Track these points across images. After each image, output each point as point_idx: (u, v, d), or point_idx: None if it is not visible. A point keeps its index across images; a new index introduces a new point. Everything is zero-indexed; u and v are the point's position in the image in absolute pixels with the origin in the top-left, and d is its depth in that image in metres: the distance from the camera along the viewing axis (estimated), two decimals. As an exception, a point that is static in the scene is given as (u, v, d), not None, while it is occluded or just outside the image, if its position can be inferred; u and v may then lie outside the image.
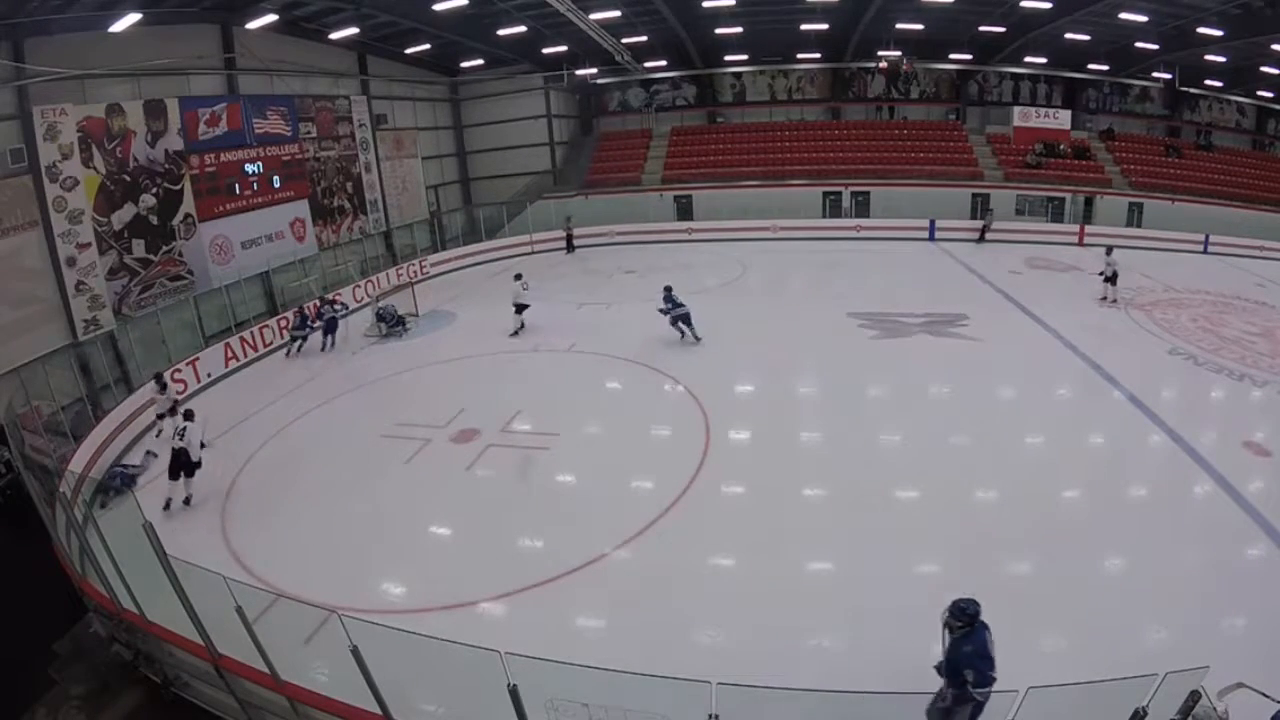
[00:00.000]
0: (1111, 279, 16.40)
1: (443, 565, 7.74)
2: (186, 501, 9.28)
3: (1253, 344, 13.41)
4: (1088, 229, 23.85)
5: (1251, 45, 21.52)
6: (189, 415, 9.52)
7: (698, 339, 14.30)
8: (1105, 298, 16.49)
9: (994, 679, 4.66)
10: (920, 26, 24.75)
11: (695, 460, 9.50)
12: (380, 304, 16.88)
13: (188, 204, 16.63)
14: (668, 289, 14.68)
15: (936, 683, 4.70)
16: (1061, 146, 27.33)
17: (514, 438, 10.59)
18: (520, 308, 15.58)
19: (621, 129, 32.10)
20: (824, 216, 26.62)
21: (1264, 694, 4.10)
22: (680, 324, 14.27)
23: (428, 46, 24.01)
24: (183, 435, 9.15)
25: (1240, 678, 4.31)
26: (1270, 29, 19.59)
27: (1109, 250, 17.16)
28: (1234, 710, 4.10)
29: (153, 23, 15.01)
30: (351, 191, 22.74)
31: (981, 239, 24.22)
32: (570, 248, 25.27)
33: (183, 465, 9.14)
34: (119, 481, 9.83)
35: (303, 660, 5.62)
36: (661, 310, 14.39)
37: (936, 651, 6.01)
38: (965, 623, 4.92)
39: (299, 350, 15.50)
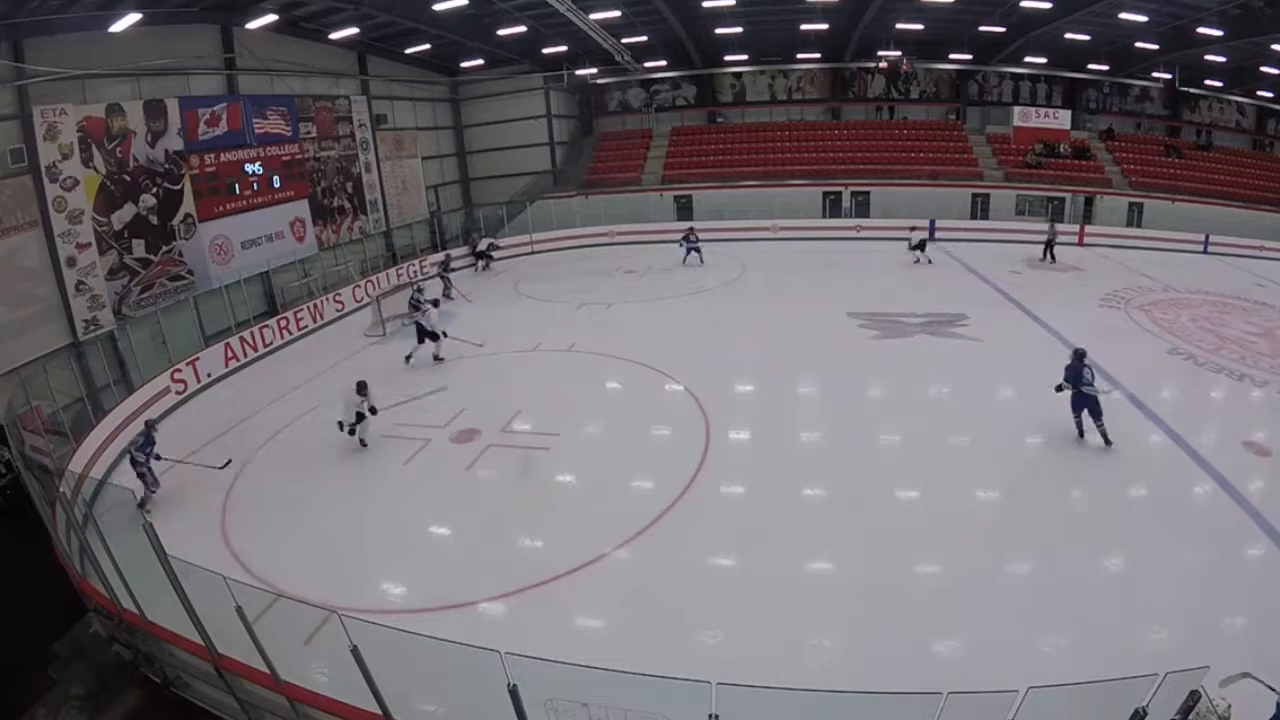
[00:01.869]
0: (919, 247, 20.77)
1: (443, 565, 7.74)
2: (436, 358, 13.91)
3: (1253, 344, 13.41)
4: (1088, 229, 23.85)
5: (1251, 45, 21.52)
6: (435, 303, 14.30)
7: (701, 262, 21.34)
8: (917, 261, 20.75)
9: (1077, 388, 9.49)
10: (920, 26, 24.75)
11: (695, 460, 9.51)
12: (417, 287, 17.41)
13: (188, 204, 16.63)
14: (690, 229, 22.15)
15: (936, 683, 4.69)
16: (1061, 146, 27.32)
17: (514, 438, 10.59)
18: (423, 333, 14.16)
19: (621, 129, 32.10)
20: (824, 216, 26.61)
21: (1269, 685, 4.10)
22: (695, 251, 21.51)
23: (428, 46, 24.01)
24: (424, 313, 13.82)
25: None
26: (1270, 29, 19.59)
27: (913, 227, 21.59)
28: (1236, 707, 4.10)
29: (153, 23, 15.00)
30: (351, 191, 22.74)
31: (1048, 255, 21.05)
32: (478, 264, 23.21)
33: (425, 334, 13.77)
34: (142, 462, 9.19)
35: (303, 660, 5.61)
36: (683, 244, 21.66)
37: (936, 650, 6.06)
38: (1073, 359, 9.58)
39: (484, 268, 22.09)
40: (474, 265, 22.98)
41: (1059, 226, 22.14)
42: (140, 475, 9.12)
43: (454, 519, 8.68)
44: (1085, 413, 9.51)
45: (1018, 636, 6.11)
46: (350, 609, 5.18)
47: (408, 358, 13.90)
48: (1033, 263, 20.91)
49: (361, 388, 10.32)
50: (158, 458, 9.34)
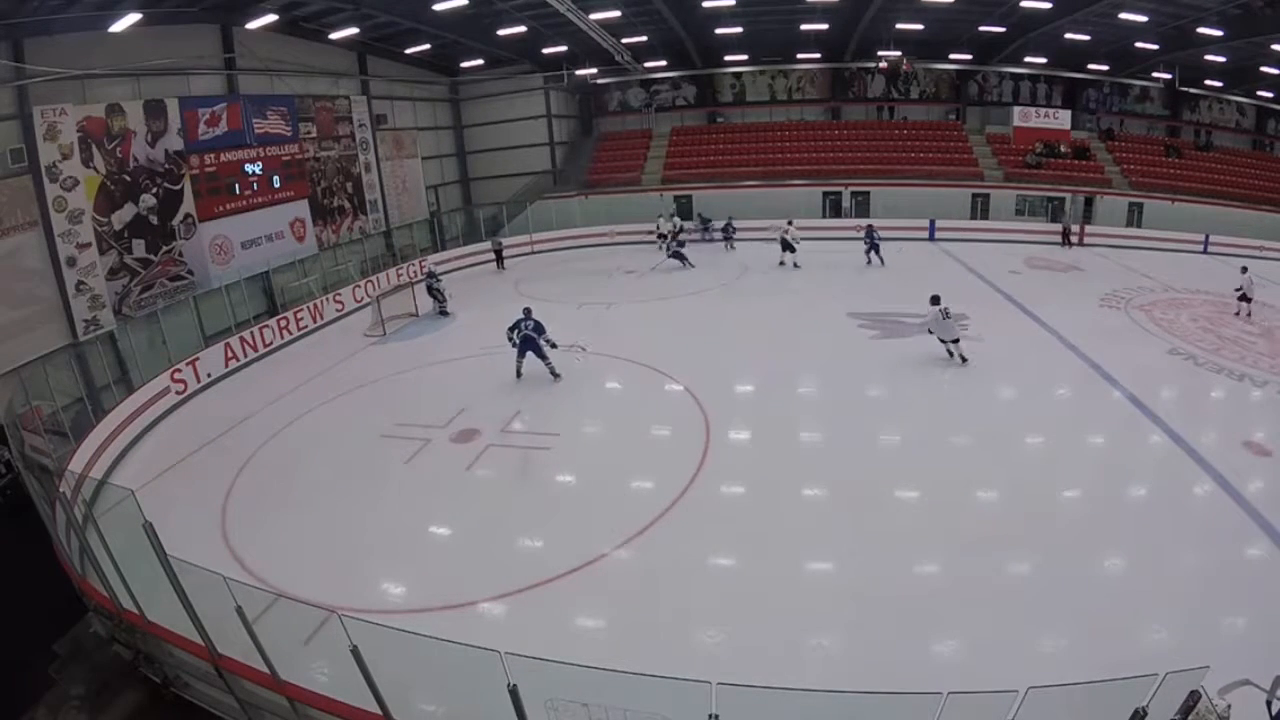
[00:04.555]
0: (678, 232, 23.65)
1: (443, 565, 7.74)
2: (684, 261, 21.30)
3: (1253, 344, 13.41)
4: (1088, 229, 23.84)
5: (1251, 45, 21.53)
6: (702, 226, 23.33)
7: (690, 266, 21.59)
8: (727, 247, 24.31)
9: (873, 242, 20.99)
10: (920, 26, 24.74)
11: (695, 460, 9.50)
12: (434, 279, 17.91)
13: (188, 204, 16.63)
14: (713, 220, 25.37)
15: (937, 683, 4.70)
16: (1061, 146, 27.32)
17: (514, 438, 10.59)
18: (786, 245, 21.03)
19: (621, 129, 32.10)
20: (824, 216, 26.60)
21: (1266, 691, 4.10)
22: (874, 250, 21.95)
23: (428, 46, 24.02)
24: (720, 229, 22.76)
25: (1241, 677, 4.31)
26: (1270, 29, 19.59)
27: (660, 216, 24.94)
28: (1236, 709, 4.10)
29: (153, 23, 15.01)
30: (351, 191, 22.74)
31: (1066, 242, 23.47)
32: (500, 264, 23.41)
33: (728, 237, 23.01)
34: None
35: (303, 660, 5.61)
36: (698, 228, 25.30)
37: (936, 650, 6.06)
38: (867, 230, 21.23)
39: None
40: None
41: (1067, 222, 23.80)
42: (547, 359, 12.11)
43: (454, 519, 8.68)
44: (872, 253, 20.19)
45: (1018, 636, 6.11)
46: (350, 609, 5.18)
47: (691, 265, 21.03)
48: (1032, 261, 20.96)
49: (937, 299, 12.39)
50: (551, 344, 12.18)
